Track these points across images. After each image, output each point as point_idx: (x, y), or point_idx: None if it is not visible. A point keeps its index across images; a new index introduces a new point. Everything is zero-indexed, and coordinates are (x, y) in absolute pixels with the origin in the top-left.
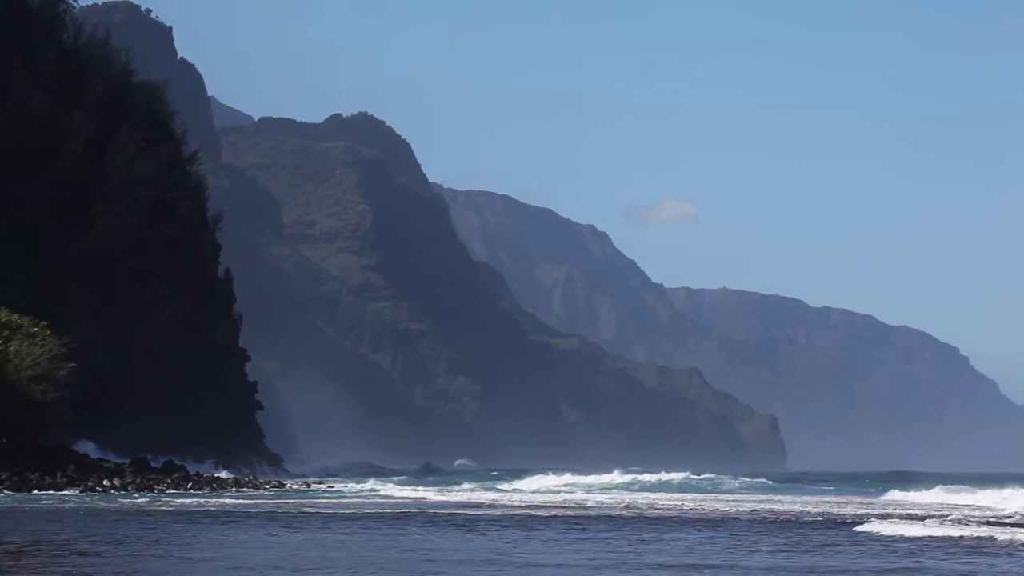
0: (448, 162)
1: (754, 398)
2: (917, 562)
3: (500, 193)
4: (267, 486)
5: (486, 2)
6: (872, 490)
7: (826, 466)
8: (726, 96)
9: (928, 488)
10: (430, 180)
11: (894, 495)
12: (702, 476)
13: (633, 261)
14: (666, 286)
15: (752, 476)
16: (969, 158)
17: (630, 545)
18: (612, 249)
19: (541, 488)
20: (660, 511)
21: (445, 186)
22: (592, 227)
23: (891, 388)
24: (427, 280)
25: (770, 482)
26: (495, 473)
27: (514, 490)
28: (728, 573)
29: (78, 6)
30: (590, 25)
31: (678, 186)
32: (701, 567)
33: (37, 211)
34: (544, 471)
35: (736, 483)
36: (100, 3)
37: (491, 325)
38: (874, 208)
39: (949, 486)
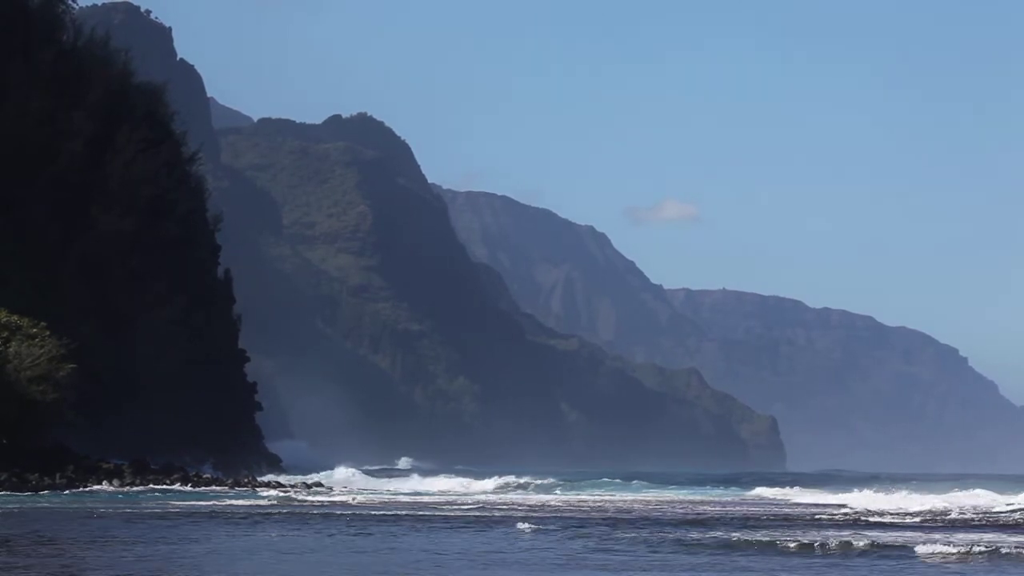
0: (448, 163)
1: (754, 399)
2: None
3: (500, 194)
4: (264, 487)
5: (486, 2)
6: (740, 489)
7: (825, 466)
8: (726, 96)
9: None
10: (430, 181)
11: (759, 491)
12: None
13: (633, 262)
14: (665, 287)
15: (717, 475)
16: (969, 159)
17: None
18: (611, 250)
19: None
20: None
21: (444, 187)
22: (591, 228)
23: (891, 389)
24: (427, 281)
25: (619, 480)
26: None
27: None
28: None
29: (78, 7)
30: (590, 25)
31: (678, 187)
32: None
33: (37, 211)
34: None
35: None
36: (100, 4)
37: (491, 326)
38: (874, 209)
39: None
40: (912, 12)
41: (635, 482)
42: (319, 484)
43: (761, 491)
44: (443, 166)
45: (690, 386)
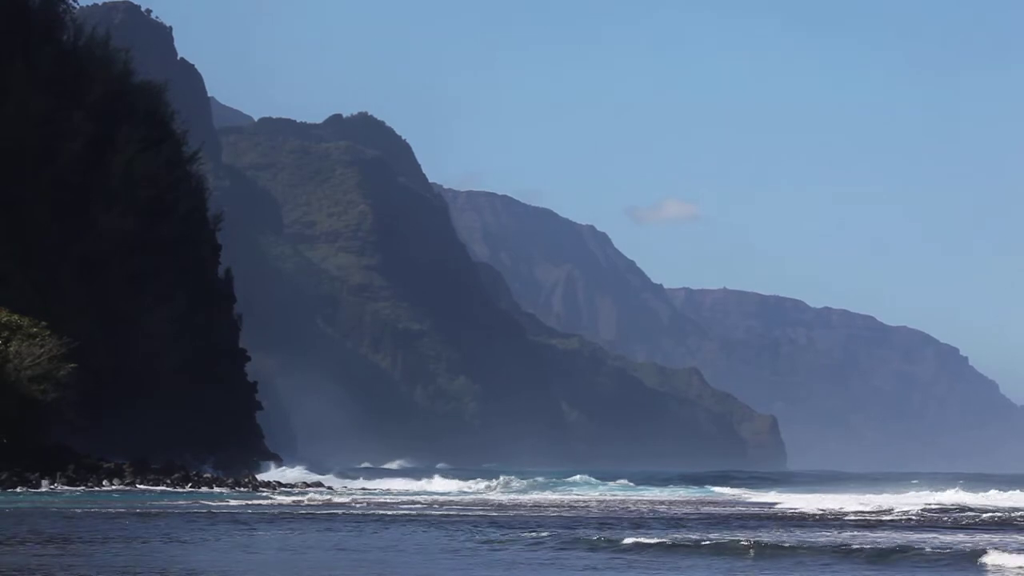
0: (448, 162)
1: (754, 398)
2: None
3: (500, 193)
4: (264, 487)
5: (487, 2)
6: (699, 488)
7: (826, 465)
8: (727, 96)
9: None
10: (430, 180)
11: (718, 490)
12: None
13: (633, 261)
14: (666, 286)
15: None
16: (970, 158)
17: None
18: (612, 249)
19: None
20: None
21: (445, 186)
22: (592, 227)
23: (891, 388)
24: (427, 280)
25: (596, 480)
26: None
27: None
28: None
29: (78, 6)
30: (590, 25)
31: (679, 186)
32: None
33: (37, 211)
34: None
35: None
36: (100, 3)
37: (491, 325)
38: (874, 208)
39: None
40: (911, 11)
41: (610, 482)
42: (319, 484)
43: (720, 490)
44: (444, 165)
45: (691, 385)
